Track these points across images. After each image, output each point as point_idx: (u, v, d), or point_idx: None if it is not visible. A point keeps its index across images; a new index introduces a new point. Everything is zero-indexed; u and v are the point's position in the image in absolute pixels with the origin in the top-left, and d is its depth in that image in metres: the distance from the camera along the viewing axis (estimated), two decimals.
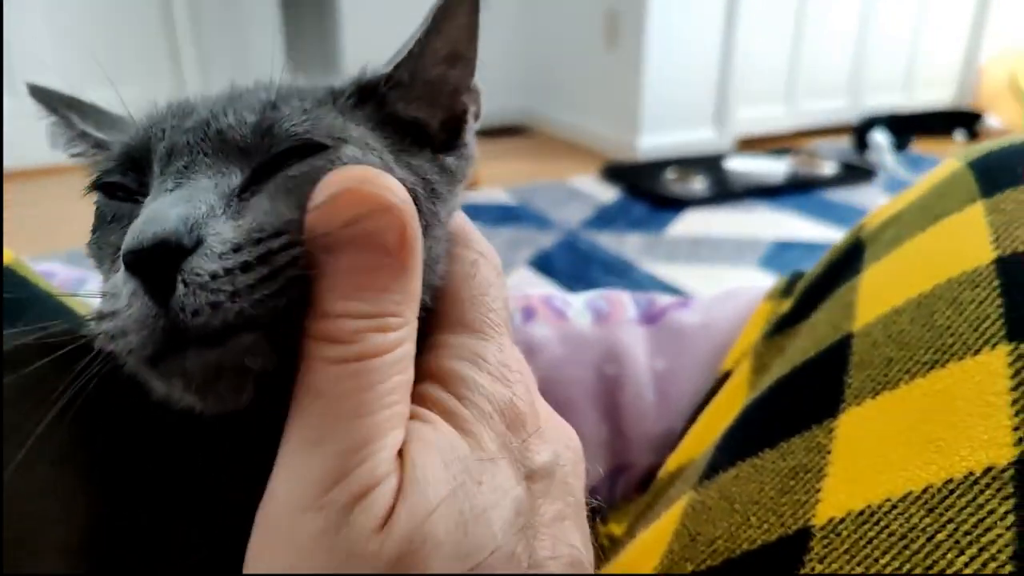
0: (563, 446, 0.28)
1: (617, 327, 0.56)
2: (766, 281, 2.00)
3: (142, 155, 0.27)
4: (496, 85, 3.35)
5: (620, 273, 1.87)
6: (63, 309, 0.40)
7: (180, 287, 0.21)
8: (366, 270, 0.23)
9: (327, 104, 0.29)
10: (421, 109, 0.31)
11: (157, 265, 0.21)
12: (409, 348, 0.24)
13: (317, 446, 0.22)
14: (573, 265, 1.93)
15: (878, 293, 0.39)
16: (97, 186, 0.29)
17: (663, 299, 0.59)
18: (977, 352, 0.31)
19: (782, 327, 0.46)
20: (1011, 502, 0.26)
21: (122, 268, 0.22)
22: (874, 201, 2.41)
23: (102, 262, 0.28)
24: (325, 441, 0.22)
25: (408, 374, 0.24)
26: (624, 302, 0.58)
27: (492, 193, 2.46)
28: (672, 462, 0.45)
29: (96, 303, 0.25)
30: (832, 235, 2.10)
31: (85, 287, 0.66)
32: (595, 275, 1.86)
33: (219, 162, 0.25)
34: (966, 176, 0.42)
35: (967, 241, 0.37)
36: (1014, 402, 0.28)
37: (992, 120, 3.34)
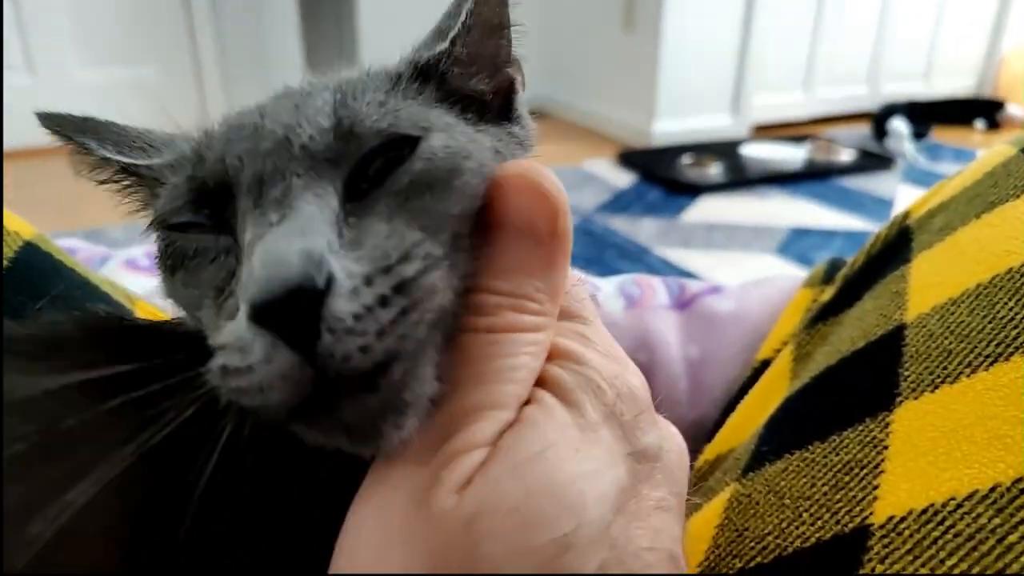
0: (670, 433, 0.26)
1: (649, 313, 0.55)
2: (783, 268, 1.96)
3: (218, 187, 0.25)
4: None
5: (635, 258, 1.86)
6: (88, 284, 0.39)
7: (326, 335, 0.20)
8: (517, 252, 0.24)
9: (393, 91, 0.28)
10: (480, 82, 0.30)
11: (295, 315, 0.20)
12: (543, 338, 0.24)
13: (438, 404, 0.23)
14: (588, 250, 1.91)
15: (932, 282, 0.38)
16: (168, 227, 0.26)
17: (693, 285, 0.58)
18: None
19: (825, 315, 0.45)
20: None
21: (245, 319, 0.21)
22: (892, 189, 2.38)
23: (198, 305, 0.25)
24: (446, 400, 0.22)
25: (537, 362, 0.24)
26: (655, 287, 0.57)
27: None
28: (710, 451, 0.44)
29: (160, 303, 0.25)
30: (849, 223, 2.08)
31: (107, 264, 0.66)
32: (610, 260, 1.85)
33: (313, 182, 0.24)
34: (1020, 162, 0.40)
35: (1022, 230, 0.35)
36: None
37: (1013, 109, 3.29)
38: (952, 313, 0.34)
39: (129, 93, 2.66)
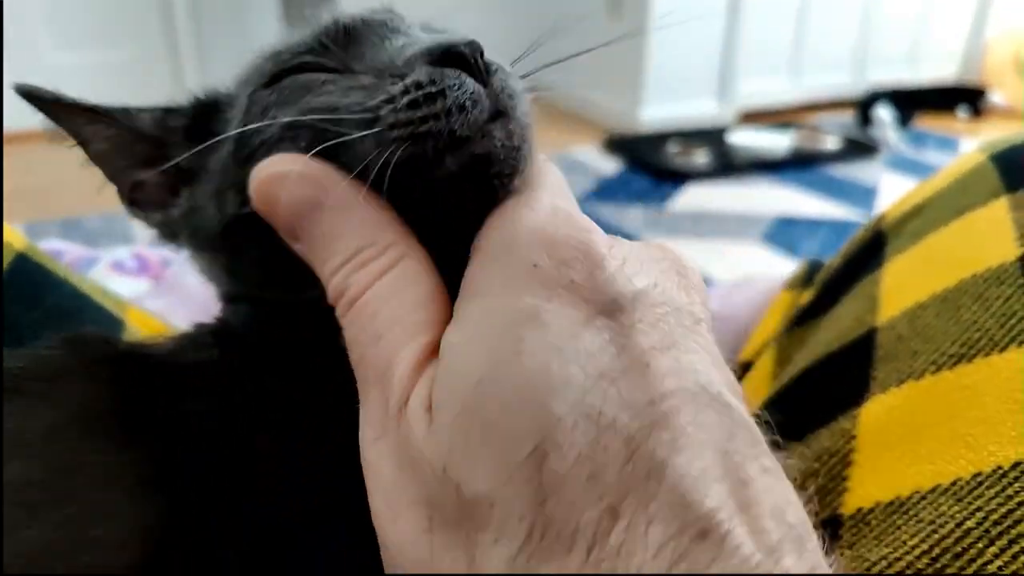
0: (646, 264, 0.24)
1: None
2: (769, 257, 1.98)
3: (338, 39, 0.31)
4: (495, 54, 3.31)
5: None
6: (80, 294, 0.40)
7: (498, 74, 0.28)
8: (306, 229, 0.24)
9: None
10: None
11: (474, 58, 0.27)
12: (407, 265, 0.24)
13: (362, 390, 0.23)
14: None
15: (902, 287, 0.39)
16: (293, 68, 0.31)
17: None
18: (1004, 349, 0.31)
19: (804, 319, 0.46)
20: None
21: (430, 66, 0.27)
22: (876, 177, 2.40)
23: (336, 104, 0.28)
24: (362, 381, 0.23)
25: (420, 287, 0.24)
26: None
27: None
28: None
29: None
30: (835, 211, 2.09)
31: (95, 268, 0.66)
32: None
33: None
34: (989, 170, 0.42)
35: (991, 237, 0.37)
36: None
37: (996, 97, 3.32)
38: (919, 317, 0.36)
39: (104, 76, 2.63)
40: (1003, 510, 0.26)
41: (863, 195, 2.24)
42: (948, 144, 2.82)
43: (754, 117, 3.08)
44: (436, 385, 0.21)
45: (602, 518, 0.18)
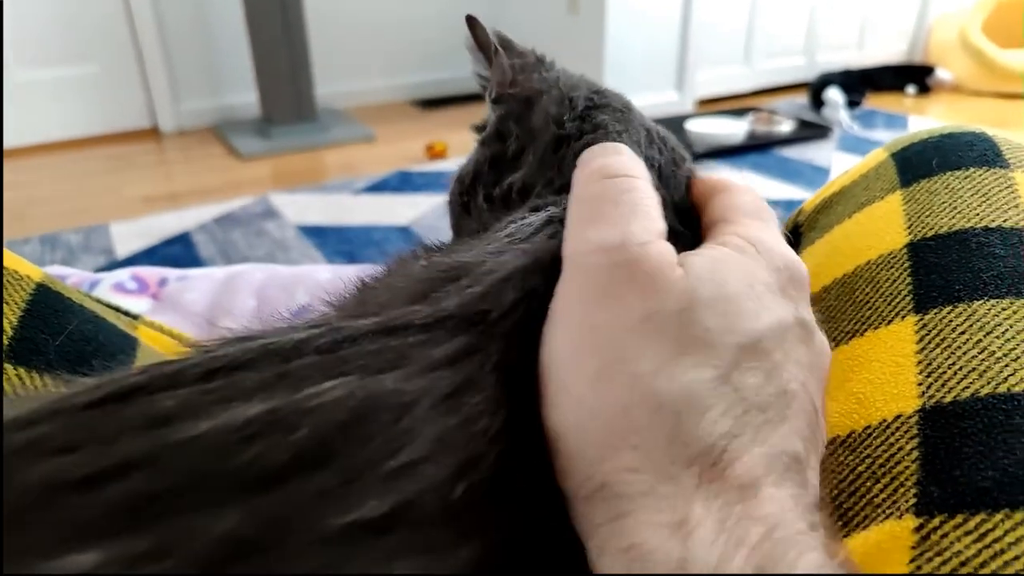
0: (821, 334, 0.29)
1: None
2: None
3: None
4: (457, 51, 3.35)
5: None
6: (96, 318, 0.42)
7: None
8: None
9: None
10: None
11: None
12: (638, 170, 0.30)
13: (587, 225, 0.27)
14: None
15: (813, 273, 0.41)
16: None
17: None
18: (890, 322, 0.37)
19: None
20: (915, 441, 0.31)
21: None
22: (829, 158, 2.50)
23: None
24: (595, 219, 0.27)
25: (647, 188, 0.28)
26: None
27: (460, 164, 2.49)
28: None
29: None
30: (790, 192, 2.18)
31: (97, 288, 0.69)
32: None
33: None
34: (889, 167, 0.46)
35: (885, 228, 0.42)
36: (919, 362, 0.34)
37: (942, 74, 3.44)
38: (823, 300, 0.41)
39: (72, 91, 2.64)
40: (886, 455, 0.31)
41: (816, 175, 2.33)
42: (898, 122, 2.93)
43: (712, 104, 3.16)
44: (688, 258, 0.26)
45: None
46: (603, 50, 2.80)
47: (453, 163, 2.44)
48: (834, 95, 2.92)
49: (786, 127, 2.71)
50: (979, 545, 0.28)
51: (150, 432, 0.19)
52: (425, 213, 2.05)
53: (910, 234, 0.41)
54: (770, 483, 0.23)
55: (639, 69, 2.90)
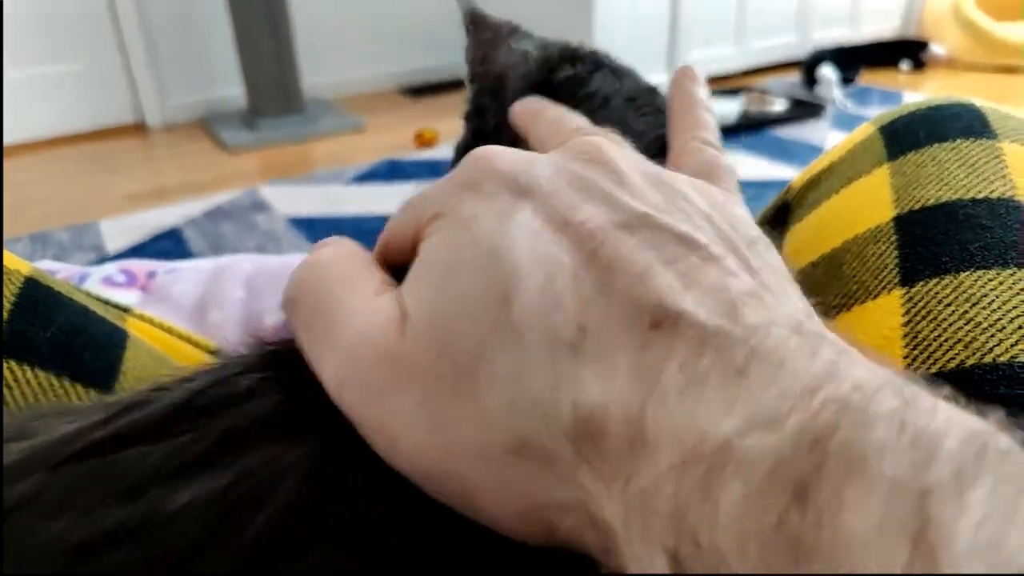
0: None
1: None
2: None
3: None
4: (445, 37, 3.32)
5: None
6: (87, 311, 0.41)
7: None
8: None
9: None
10: None
11: None
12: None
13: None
14: None
15: (800, 250, 0.44)
16: None
17: None
18: (876, 296, 0.37)
19: None
20: None
21: None
22: (823, 136, 2.48)
23: None
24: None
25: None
26: None
27: (450, 151, 2.48)
28: None
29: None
30: (783, 172, 2.17)
31: (87, 282, 0.68)
32: None
33: None
34: (876, 141, 0.47)
35: (873, 201, 0.42)
36: (905, 335, 0.35)
37: (937, 49, 3.41)
38: (811, 275, 0.42)
39: (58, 88, 2.61)
40: None
41: (810, 154, 2.32)
42: (892, 98, 2.91)
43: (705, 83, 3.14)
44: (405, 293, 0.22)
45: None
46: (592, 30, 2.77)
47: (443, 151, 2.43)
48: (827, 73, 2.90)
49: (779, 106, 2.69)
50: None
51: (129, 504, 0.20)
52: None
53: (897, 207, 0.41)
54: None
55: (629, 49, 2.87)
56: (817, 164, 0.51)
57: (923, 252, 0.38)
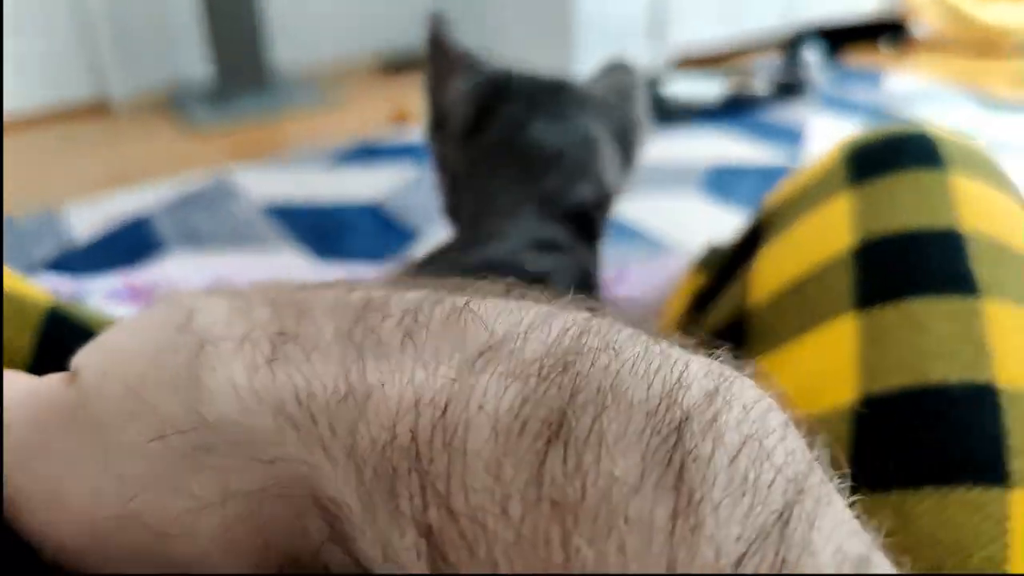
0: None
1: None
2: (705, 207, 2.02)
3: None
4: (420, 9, 3.24)
5: None
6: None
7: None
8: None
9: None
10: None
11: None
12: None
13: None
14: None
15: (768, 274, 0.47)
16: None
17: (605, 273, 0.62)
18: (833, 320, 0.40)
19: (703, 302, 0.51)
20: (851, 426, 0.35)
21: None
22: (805, 118, 2.46)
23: None
24: None
25: None
26: None
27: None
28: None
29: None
30: (764, 155, 2.15)
31: (91, 299, 0.67)
32: None
33: None
34: (841, 166, 0.49)
35: (833, 228, 0.45)
36: (856, 358, 0.37)
37: (917, 28, 3.40)
38: (778, 300, 0.45)
39: (16, 69, 2.52)
40: (843, 444, 0.34)
41: (791, 137, 2.30)
42: (873, 79, 2.90)
43: (688, 64, 3.10)
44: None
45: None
46: (573, 10, 2.72)
47: (417, 133, 2.38)
48: (810, 53, 2.87)
49: (762, 87, 2.66)
50: (898, 521, 0.31)
51: None
52: (395, 186, 1.99)
53: (855, 235, 0.44)
54: None
55: (612, 28, 2.83)
56: (787, 186, 0.54)
57: (876, 279, 0.41)
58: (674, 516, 0.12)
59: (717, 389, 0.14)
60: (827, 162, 0.51)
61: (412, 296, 0.19)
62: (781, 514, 0.13)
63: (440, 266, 0.32)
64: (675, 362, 0.15)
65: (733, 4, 3.23)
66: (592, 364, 0.14)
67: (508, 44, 3.10)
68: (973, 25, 3.23)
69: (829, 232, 0.45)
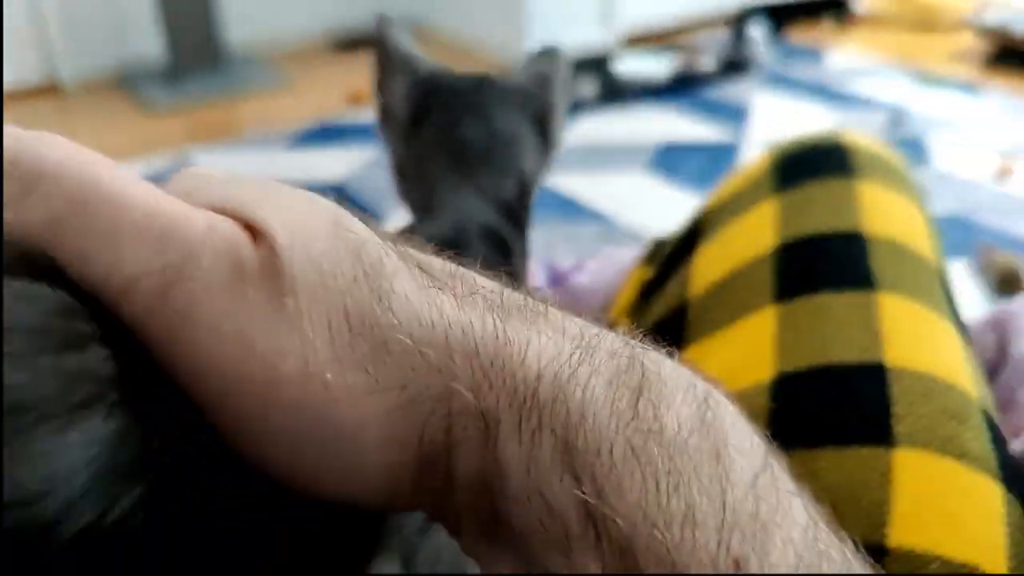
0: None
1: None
2: (653, 185, 2.08)
3: None
4: None
5: None
6: None
7: None
8: None
9: None
10: None
11: None
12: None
13: None
14: None
15: (705, 270, 0.53)
16: None
17: (563, 263, 0.69)
18: (757, 311, 0.47)
19: (648, 293, 0.58)
20: (769, 399, 0.41)
21: None
22: (750, 96, 2.55)
23: None
24: None
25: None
26: (534, 271, 0.68)
27: None
28: None
29: None
30: (711, 133, 2.22)
31: None
32: None
33: None
34: (768, 173, 0.56)
35: (760, 229, 0.51)
36: (774, 343, 0.44)
37: (858, 5, 3.51)
38: (712, 293, 0.51)
39: None
40: (758, 415, 0.39)
41: (737, 114, 2.38)
42: (816, 56, 3.00)
43: (637, 41, 3.16)
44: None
45: None
46: None
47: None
48: (755, 30, 2.95)
49: (709, 64, 2.74)
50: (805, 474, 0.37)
51: None
52: (355, 167, 2.02)
53: (776, 237, 0.50)
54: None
55: (562, 4, 2.87)
56: (724, 188, 0.60)
57: (792, 276, 0.47)
58: (700, 443, 0.19)
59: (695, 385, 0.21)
60: (757, 168, 0.57)
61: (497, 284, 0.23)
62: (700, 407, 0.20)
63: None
64: (683, 368, 0.22)
65: None
66: (647, 360, 0.21)
67: (466, 27, 3.11)
68: (911, 1, 3.35)
69: (756, 233, 0.52)
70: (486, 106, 0.48)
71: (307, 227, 0.20)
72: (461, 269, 0.23)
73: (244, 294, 0.19)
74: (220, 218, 0.20)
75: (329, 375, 0.19)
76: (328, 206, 0.22)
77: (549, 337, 0.20)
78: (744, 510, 0.18)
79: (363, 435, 0.20)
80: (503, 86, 0.50)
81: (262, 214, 0.20)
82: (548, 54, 0.60)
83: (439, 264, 0.22)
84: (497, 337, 0.20)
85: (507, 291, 0.22)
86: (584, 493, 0.18)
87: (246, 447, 0.20)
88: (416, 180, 0.48)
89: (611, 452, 0.18)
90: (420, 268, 0.21)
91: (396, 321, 0.20)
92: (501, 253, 0.45)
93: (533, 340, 0.20)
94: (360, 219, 0.23)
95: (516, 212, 0.46)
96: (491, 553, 0.20)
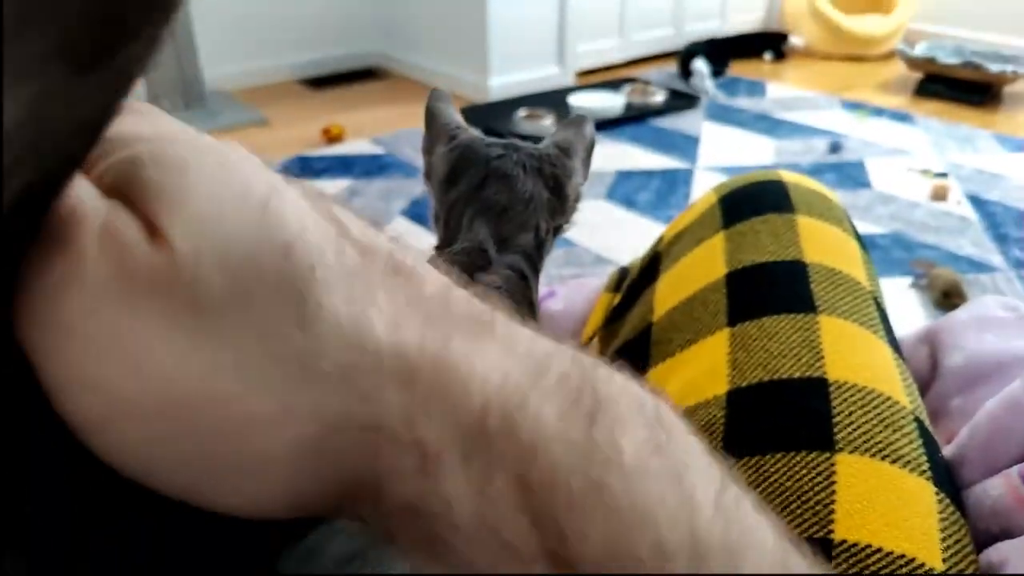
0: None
1: None
2: (612, 212, 2.21)
3: None
4: (347, 26, 3.34)
5: None
6: None
7: None
8: None
9: None
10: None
11: None
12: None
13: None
14: None
15: (666, 295, 0.59)
16: None
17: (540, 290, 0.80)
18: (713, 333, 0.52)
19: (616, 317, 0.68)
20: (724, 411, 0.44)
21: None
22: (699, 127, 2.70)
23: None
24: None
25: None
26: None
27: (359, 144, 2.53)
28: None
29: None
30: (664, 162, 2.35)
31: None
32: None
33: None
34: (716, 209, 0.62)
35: (712, 261, 0.57)
36: (728, 362, 0.48)
37: (796, 39, 3.74)
38: (672, 316, 0.56)
39: None
40: (705, 422, 0.45)
41: (687, 144, 2.53)
42: (757, 88, 3.19)
43: (590, 75, 3.32)
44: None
45: None
46: (487, 25, 2.89)
47: (352, 146, 2.49)
48: (700, 65, 3.12)
49: (659, 97, 2.89)
50: (757, 477, 0.40)
51: None
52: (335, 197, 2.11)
53: (727, 266, 0.55)
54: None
55: (522, 45, 3.02)
56: (678, 222, 0.68)
57: (742, 301, 0.52)
58: (654, 439, 0.19)
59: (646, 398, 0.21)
60: (705, 204, 0.63)
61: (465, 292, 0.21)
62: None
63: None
64: (632, 384, 0.21)
65: (630, 18, 3.47)
66: (598, 381, 0.20)
67: (438, 66, 3.23)
68: (842, 35, 3.58)
69: (708, 264, 0.55)
70: (508, 171, 0.55)
71: (223, 222, 0.17)
72: (407, 263, 0.20)
73: (134, 306, 0.16)
74: (117, 214, 0.17)
75: (232, 401, 0.17)
76: (262, 189, 0.19)
77: (496, 357, 0.19)
78: (714, 534, 0.17)
79: (270, 467, 0.17)
80: (527, 152, 0.58)
81: (166, 211, 0.17)
82: (575, 122, 0.67)
83: (383, 257, 0.20)
84: (436, 363, 0.18)
85: (453, 294, 0.20)
86: (546, 540, 0.17)
87: (134, 471, 0.17)
88: (448, 226, 0.55)
89: (570, 489, 0.17)
90: (359, 252, 0.19)
91: (317, 345, 0.17)
92: (520, 277, 0.52)
93: (477, 363, 0.18)
94: (307, 194, 0.21)
95: (533, 258, 0.53)
96: (429, 565, 0.19)
